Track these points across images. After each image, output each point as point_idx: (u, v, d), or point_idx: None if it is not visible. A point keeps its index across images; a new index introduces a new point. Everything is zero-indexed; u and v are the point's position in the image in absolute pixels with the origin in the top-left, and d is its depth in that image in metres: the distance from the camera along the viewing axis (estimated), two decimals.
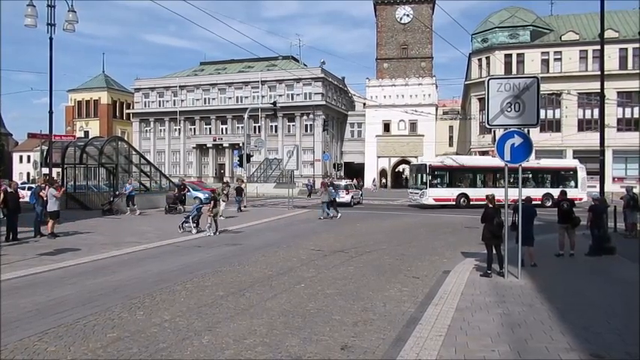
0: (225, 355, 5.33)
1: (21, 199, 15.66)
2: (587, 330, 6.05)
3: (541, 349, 5.37)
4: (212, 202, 16.73)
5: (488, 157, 31.66)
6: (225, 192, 22.19)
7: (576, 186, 30.17)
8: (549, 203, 28.01)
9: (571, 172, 31.09)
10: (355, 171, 55.56)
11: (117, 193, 23.33)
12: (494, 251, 9.51)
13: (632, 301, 7.50)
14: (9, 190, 14.36)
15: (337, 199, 24.27)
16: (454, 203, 27.67)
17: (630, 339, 5.74)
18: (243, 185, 26.83)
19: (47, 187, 15.45)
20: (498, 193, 26.39)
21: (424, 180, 28.12)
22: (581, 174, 30.86)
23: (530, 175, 29.98)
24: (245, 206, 25.83)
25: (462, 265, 10.44)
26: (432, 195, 27.65)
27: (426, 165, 28.38)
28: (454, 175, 28.77)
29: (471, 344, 5.53)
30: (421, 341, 5.61)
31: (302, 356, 5.32)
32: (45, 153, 25.61)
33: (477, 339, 5.70)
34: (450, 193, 28.04)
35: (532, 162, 28.97)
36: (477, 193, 26.36)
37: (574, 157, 41.35)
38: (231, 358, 5.27)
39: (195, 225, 16.40)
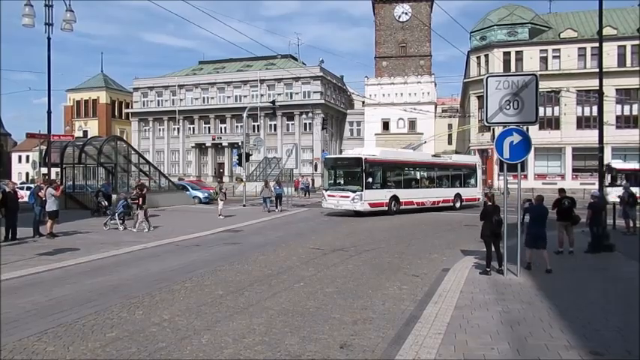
0: (224, 354, 5.32)
1: (20, 200, 15.65)
2: (587, 327, 6.05)
3: (540, 347, 5.37)
4: (140, 198, 16.82)
5: (413, 152, 27.94)
6: (223, 191, 22.31)
7: (475, 185, 28.16)
8: (459, 204, 25.97)
9: (473, 170, 28.47)
10: None
11: (100, 192, 21.64)
12: (493, 249, 9.51)
13: (631, 298, 7.51)
14: (7, 190, 14.34)
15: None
16: (386, 209, 22.37)
17: (629, 336, 5.74)
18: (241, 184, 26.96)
19: (46, 187, 15.43)
20: (431, 194, 24.38)
21: (358, 179, 21.69)
22: (479, 172, 29.14)
23: (442, 173, 26.53)
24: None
25: (462, 263, 10.45)
26: (369, 199, 21.54)
27: (361, 159, 21.64)
28: (386, 173, 23.42)
29: (471, 342, 5.52)
30: (420, 339, 5.60)
31: (301, 355, 5.32)
32: (44, 153, 25.62)
33: (476, 337, 5.70)
34: (383, 196, 22.40)
35: (444, 157, 27.76)
36: (408, 195, 23.49)
37: (573, 155, 41.68)
38: (231, 357, 5.27)
39: (121, 222, 16.51)
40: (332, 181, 23.01)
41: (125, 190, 22.27)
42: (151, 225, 16.37)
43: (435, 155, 26.50)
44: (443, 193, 25.38)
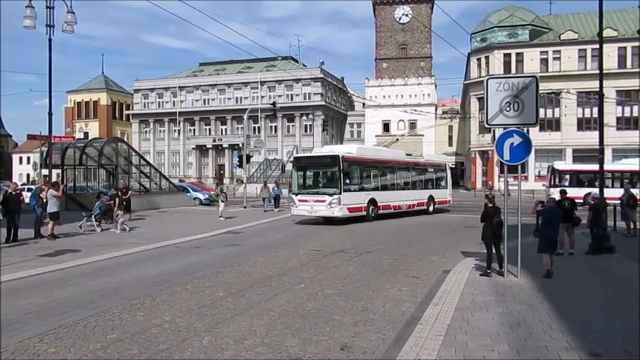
0: (225, 356, 5.33)
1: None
2: (587, 328, 6.06)
3: (541, 348, 5.38)
4: (116, 199, 16.85)
5: (389, 150, 25.77)
6: (224, 192, 22.37)
7: (446, 186, 26.41)
8: (432, 208, 24.32)
9: (444, 171, 26.65)
10: None
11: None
12: (494, 250, 9.51)
13: (631, 299, 7.51)
14: (9, 191, 14.37)
15: None
16: (364, 214, 20.06)
17: (629, 337, 5.75)
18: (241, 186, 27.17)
19: (47, 188, 15.46)
20: (408, 197, 22.92)
21: (335, 180, 19.22)
22: (449, 172, 27.32)
23: (417, 174, 24.43)
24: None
25: (462, 265, 10.44)
26: (347, 203, 19.06)
27: (338, 157, 18.94)
28: (364, 173, 21.11)
29: (471, 344, 5.53)
30: (421, 341, 5.61)
31: (302, 357, 5.32)
32: (44, 154, 25.64)
33: (476, 338, 5.70)
34: (362, 200, 20.00)
35: (417, 157, 25.69)
36: (386, 199, 21.44)
37: (574, 156, 41.69)
38: (231, 358, 5.28)
39: (98, 223, 16.52)
40: (303, 184, 20.29)
41: (108, 193, 21.87)
42: (126, 228, 16.37)
43: (408, 154, 24.89)
44: (418, 196, 23.72)
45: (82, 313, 6.91)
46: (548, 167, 32.87)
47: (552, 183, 29.87)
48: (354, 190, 19.70)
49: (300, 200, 19.55)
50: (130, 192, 20.60)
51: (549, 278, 8.90)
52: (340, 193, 18.67)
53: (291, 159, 21.85)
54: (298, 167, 20.45)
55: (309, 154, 22.21)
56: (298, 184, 20.21)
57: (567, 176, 30.65)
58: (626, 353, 5.28)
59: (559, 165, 32.29)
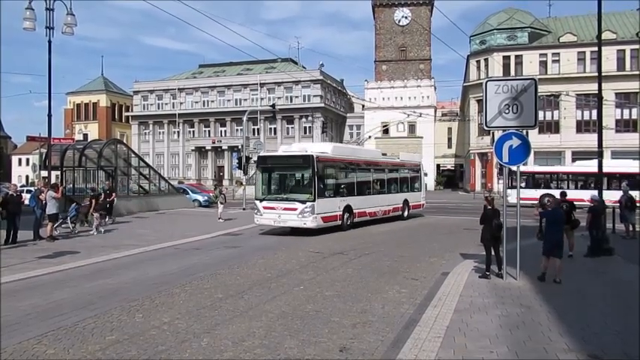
0: (223, 357, 5.34)
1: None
2: (586, 330, 6.07)
3: (539, 350, 5.39)
4: (92, 200, 16.82)
5: (365, 149, 23.75)
6: (223, 193, 22.35)
7: (420, 189, 24.36)
8: (407, 213, 22.31)
9: (418, 171, 24.62)
10: None
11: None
12: (493, 252, 9.52)
13: (630, 301, 7.52)
14: (9, 193, 14.37)
15: None
16: (339, 223, 17.46)
17: (628, 339, 5.75)
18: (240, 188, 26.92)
19: (47, 189, 15.45)
20: (383, 202, 20.90)
21: (307, 184, 16.69)
22: (423, 173, 25.44)
23: (392, 176, 22.22)
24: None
25: (461, 267, 10.45)
26: (321, 211, 16.41)
27: (311, 157, 16.30)
28: (339, 176, 18.52)
29: (470, 345, 5.54)
30: (419, 343, 5.62)
31: (301, 358, 5.33)
32: (44, 156, 25.60)
33: (475, 340, 5.71)
34: (337, 207, 17.39)
35: (391, 156, 23.84)
36: (362, 205, 18.94)
37: (573, 159, 41.76)
38: None
39: (73, 225, 16.52)
40: (270, 188, 17.61)
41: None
42: (101, 230, 16.36)
43: (384, 154, 23.27)
44: (394, 200, 21.57)
45: (80, 314, 6.91)
46: (505, 169, 33.08)
47: (509, 184, 30.09)
48: (329, 196, 17.23)
49: (265, 207, 16.81)
50: (114, 194, 20.53)
51: (543, 281, 8.76)
52: (314, 200, 16.06)
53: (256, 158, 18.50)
54: (264, 168, 17.64)
55: (277, 154, 18.70)
56: (264, 189, 17.57)
57: (524, 178, 30.82)
58: (625, 355, 5.28)
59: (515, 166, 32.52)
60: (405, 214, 22.27)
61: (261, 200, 17.04)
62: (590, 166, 28.42)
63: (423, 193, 24.61)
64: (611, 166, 29.11)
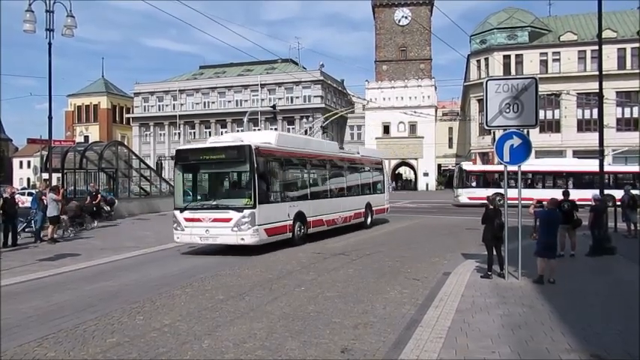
0: (225, 359, 5.32)
1: (22, 205, 15.67)
2: (587, 330, 6.04)
3: (541, 350, 5.36)
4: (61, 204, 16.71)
5: (317, 141, 19.58)
6: None
7: (383, 190, 20.81)
8: (370, 220, 18.87)
9: (380, 170, 21.02)
10: None
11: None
12: (494, 252, 9.49)
13: (632, 301, 7.49)
14: (4, 195, 14.36)
15: None
16: (290, 235, 13.68)
17: (630, 339, 5.73)
18: None
19: (48, 192, 15.46)
20: (343, 207, 17.48)
21: (245, 186, 13.06)
22: (385, 172, 22.08)
23: (353, 175, 18.56)
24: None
25: (463, 267, 10.42)
26: (264, 222, 12.49)
27: (248, 148, 12.30)
28: (288, 174, 14.81)
29: (472, 346, 5.52)
30: (421, 343, 5.59)
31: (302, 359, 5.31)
32: (45, 158, 25.59)
33: (477, 340, 5.69)
34: (285, 215, 13.58)
35: (350, 151, 20.68)
36: (317, 211, 15.24)
37: (574, 157, 41.68)
38: None
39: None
40: (194, 193, 13.79)
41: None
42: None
43: (341, 148, 20.18)
44: (355, 204, 17.91)
45: (81, 317, 6.90)
46: (456, 168, 33.44)
47: (461, 184, 30.33)
48: (275, 201, 13.40)
49: (187, 219, 12.60)
50: (99, 196, 20.56)
51: (541, 284, 8.63)
52: (254, 207, 12.11)
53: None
54: (184, 167, 13.38)
55: (201, 146, 14.40)
56: (185, 194, 13.57)
57: (474, 177, 30.82)
58: (627, 355, 5.26)
59: (466, 166, 33.06)
60: (369, 220, 18.81)
61: (181, 210, 12.78)
62: (546, 165, 29.03)
63: (386, 194, 21.26)
64: (563, 165, 29.79)
